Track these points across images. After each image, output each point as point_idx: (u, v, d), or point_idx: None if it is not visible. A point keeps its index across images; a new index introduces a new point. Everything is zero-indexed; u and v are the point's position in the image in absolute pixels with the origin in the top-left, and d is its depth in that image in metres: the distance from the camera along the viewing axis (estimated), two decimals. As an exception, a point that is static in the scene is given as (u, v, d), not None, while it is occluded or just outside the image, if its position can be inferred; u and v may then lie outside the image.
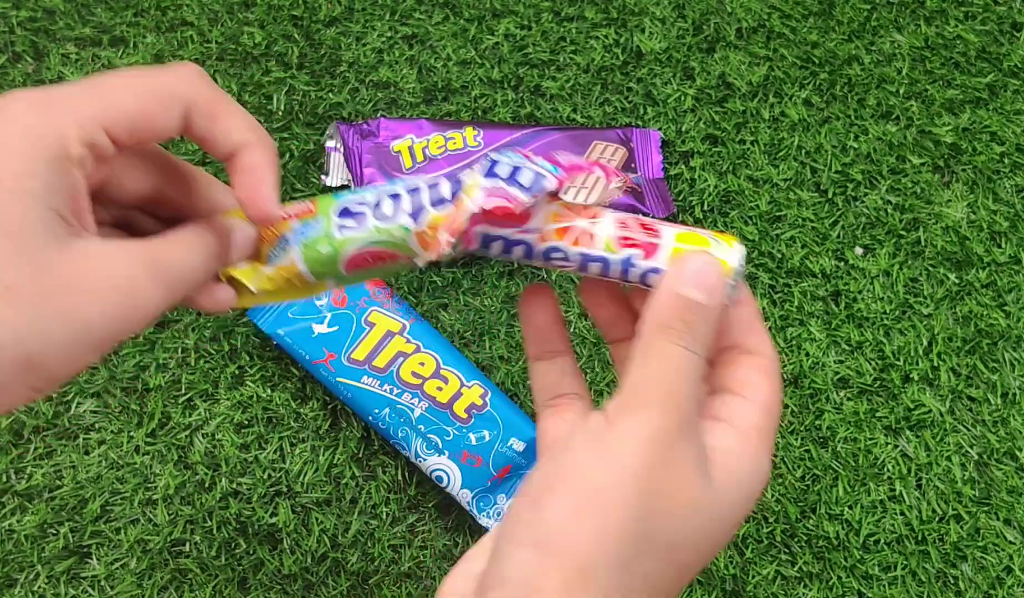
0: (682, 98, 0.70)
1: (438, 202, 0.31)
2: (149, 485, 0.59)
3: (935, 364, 0.64)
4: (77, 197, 0.27)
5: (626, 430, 0.27)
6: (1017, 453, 0.62)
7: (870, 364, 0.64)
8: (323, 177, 0.65)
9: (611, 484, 0.27)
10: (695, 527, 0.28)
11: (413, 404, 0.58)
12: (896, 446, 0.62)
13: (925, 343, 0.64)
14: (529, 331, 0.35)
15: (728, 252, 0.30)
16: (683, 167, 0.68)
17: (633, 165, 0.66)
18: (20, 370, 0.25)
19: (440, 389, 0.58)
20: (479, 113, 0.69)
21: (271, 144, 0.32)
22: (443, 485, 0.58)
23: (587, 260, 0.31)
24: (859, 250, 0.67)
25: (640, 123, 0.69)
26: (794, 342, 0.64)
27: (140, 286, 0.28)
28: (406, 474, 0.60)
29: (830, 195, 0.68)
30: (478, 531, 0.59)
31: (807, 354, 0.64)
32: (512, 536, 0.27)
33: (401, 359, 0.59)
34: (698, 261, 0.29)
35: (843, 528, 0.60)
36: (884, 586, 0.59)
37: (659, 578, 0.27)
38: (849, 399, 0.63)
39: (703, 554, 0.28)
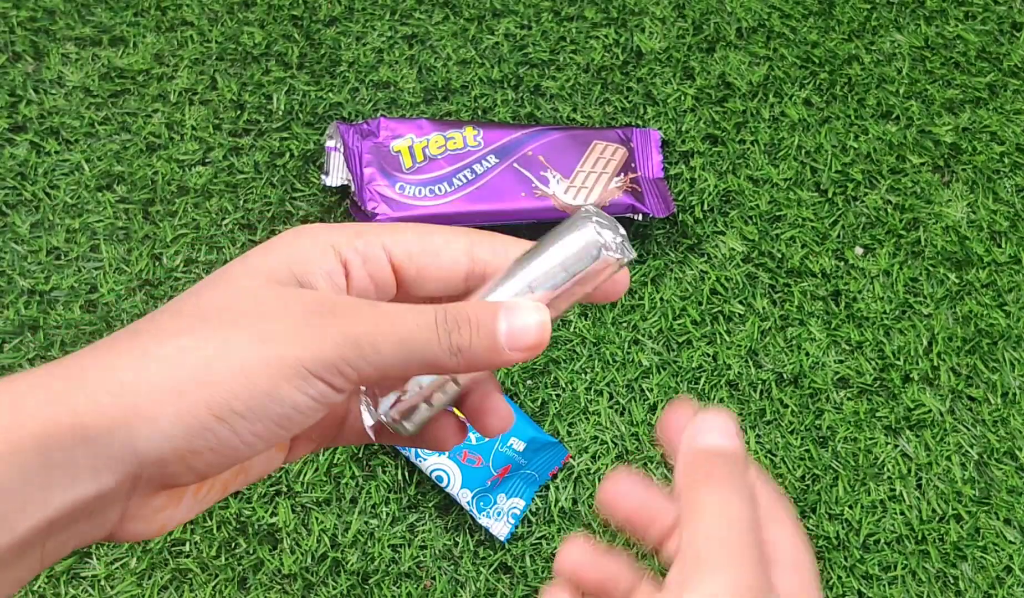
0: (682, 98, 0.70)
1: None
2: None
3: (935, 364, 0.64)
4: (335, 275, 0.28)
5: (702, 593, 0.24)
6: (1017, 453, 0.62)
7: (870, 364, 0.64)
8: (323, 177, 0.65)
9: None
10: None
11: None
12: (896, 446, 0.62)
13: (925, 343, 0.64)
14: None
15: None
16: (683, 167, 0.68)
17: (633, 165, 0.66)
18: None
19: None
20: (479, 113, 0.69)
21: None
22: (443, 485, 0.58)
23: None
24: (859, 250, 0.67)
25: (640, 123, 0.69)
26: (794, 342, 0.64)
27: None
28: (406, 474, 0.60)
29: (830, 195, 0.68)
30: (478, 531, 0.59)
31: (807, 354, 0.64)
32: None
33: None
34: (713, 418, 0.28)
35: (843, 528, 0.60)
36: (884, 586, 0.59)
37: None
38: (849, 399, 0.63)
39: None
